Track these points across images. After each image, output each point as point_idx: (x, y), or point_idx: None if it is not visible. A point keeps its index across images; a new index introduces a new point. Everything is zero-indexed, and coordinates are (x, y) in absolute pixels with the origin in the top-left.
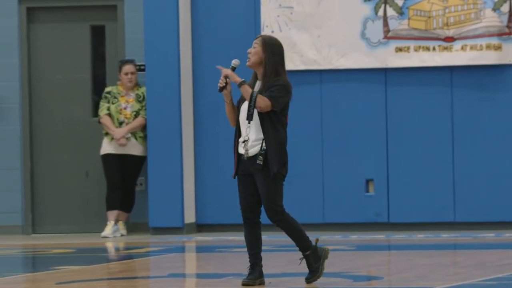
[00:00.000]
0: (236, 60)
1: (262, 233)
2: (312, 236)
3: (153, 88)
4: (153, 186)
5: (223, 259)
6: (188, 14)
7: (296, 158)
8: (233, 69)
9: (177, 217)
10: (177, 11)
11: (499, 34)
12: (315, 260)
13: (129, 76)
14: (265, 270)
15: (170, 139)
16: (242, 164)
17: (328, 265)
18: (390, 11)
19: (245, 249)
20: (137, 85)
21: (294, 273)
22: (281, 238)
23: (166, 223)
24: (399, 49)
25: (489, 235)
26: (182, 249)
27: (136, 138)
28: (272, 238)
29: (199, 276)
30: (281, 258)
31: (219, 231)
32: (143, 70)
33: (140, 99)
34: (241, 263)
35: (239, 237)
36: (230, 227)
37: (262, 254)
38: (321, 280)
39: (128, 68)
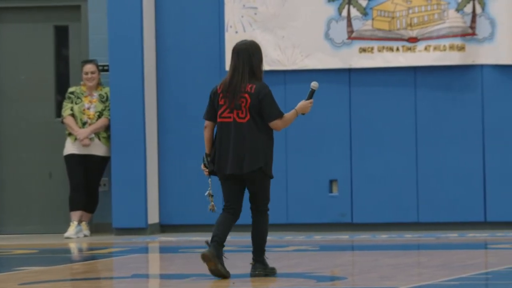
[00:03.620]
0: (315, 82)
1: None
2: (276, 237)
3: (116, 88)
4: (116, 187)
5: (187, 260)
6: (152, 14)
7: None
8: (313, 92)
9: (140, 217)
10: (141, 11)
11: (463, 35)
12: (264, 267)
13: (89, 75)
14: (229, 271)
15: (134, 140)
16: None
17: (292, 266)
18: (354, 12)
19: None
20: (100, 85)
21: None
22: (245, 238)
23: (129, 223)
24: (363, 50)
25: (453, 235)
26: (145, 250)
27: (99, 139)
28: (236, 239)
29: (162, 276)
30: (245, 259)
31: (182, 231)
32: (107, 70)
33: (103, 100)
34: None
35: (202, 238)
36: (193, 228)
37: (226, 254)
38: (284, 281)
39: (88, 67)
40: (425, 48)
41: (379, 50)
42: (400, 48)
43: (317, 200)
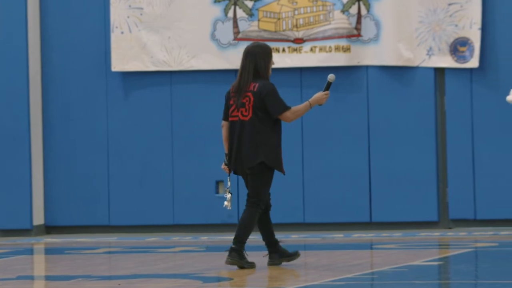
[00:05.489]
0: (332, 75)
1: (111, 235)
2: (163, 238)
3: (1, 88)
4: (0, 188)
5: (72, 261)
6: (37, 14)
7: (146, 159)
8: (330, 84)
9: (25, 218)
10: (25, 11)
11: (348, 36)
12: (240, 257)
13: None
14: (115, 272)
15: (19, 140)
16: None
17: (178, 267)
18: (240, 13)
19: (93, 251)
20: None
21: (144, 275)
22: (132, 240)
23: (14, 224)
24: None
25: (338, 236)
26: (30, 251)
27: None
28: (122, 240)
29: (48, 278)
30: (132, 259)
31: (68, 233)
32: None
33: None
34: (90, 264)
35: (89, 239)
36: (79, 229)
37: (112, 255)
38: (170, 282)
39: None
40: (311, 49)
41: None
42: (286, 49)
43: (204, 201)
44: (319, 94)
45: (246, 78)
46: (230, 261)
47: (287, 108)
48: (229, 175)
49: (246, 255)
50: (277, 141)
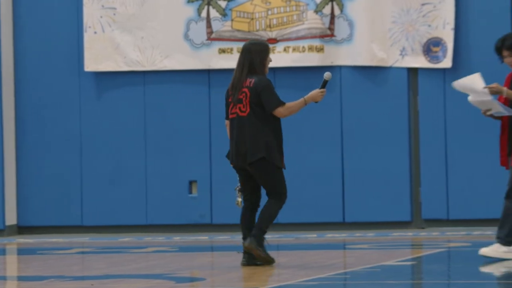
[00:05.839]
0: (328, 73)
1: (84, 235)
2: (135, 238)
3: None
4: None
5: (45, 261)
6: (10, 14)
7: (119, 159)
8: (326, 81)
9: None
10: None
11: (321, 36)
12: (259, 244)
13: None
14: (87, 272)
15: None
16: None
17: (151, 267)
18: (213, 13)
19: (66, 251)
20: None
21: (117, 275)
22: (105, 240)
23: None
24: (222, 51)
25: (312, 236)
26: (3, 252)
27: None
28: (94, 240)
29: (20, 278)
30: (105, 260)
31: (41, 233)
32: None
33: None
34: (63, 264)
35: (62, 239)
36: (52, 229)
37: (85, 255)
38: (143, 282)
39: None
40: (284, 49)
41: (239, 51)
42: None
43: (177, 201)
44: (315, 92)
45: (240, 74)
46: (247, 246)
47: (280, 103)
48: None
49: (265, 245)
50: (276, 135)
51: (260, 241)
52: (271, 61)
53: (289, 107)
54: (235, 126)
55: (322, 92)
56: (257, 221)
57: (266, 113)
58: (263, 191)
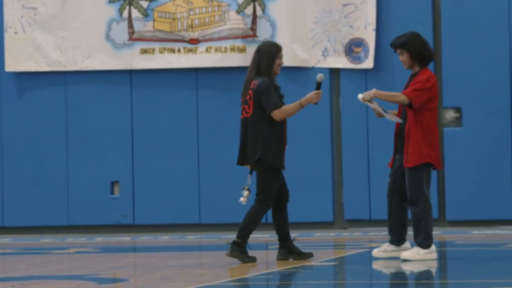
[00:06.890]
0: (320, 74)
1: (4, 236)
2: (57, 239)
3: None
4: None
5: None
6: None
7: (40, 160)
8: (319, 83)
9: None
10: None
11: (244, 36)
12: (241, 251)
13: None
14: (9, 273)
15: None
16: None
17: (73, 268)
18: (135, 13)
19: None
20: None
21: (39, 276)
22: (27, 241)
23: None
24: (144, 51)
25: (234, 236)
26: None
27: None
28: (16, 241)
29: None
30: (26, 261)
31: None
32: None
33: None
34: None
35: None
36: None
37: (6, 256)
38: (65, 283)
39: None
40: (206, 50)
41: (161, 52)
42: (182, 50)
43: (99, 202)
44: (311, 94)
45: (250, 75)
46: (230, 254)
47: (276, 106)
48: (250, 173)
49: (247, 250)
50: (275, 137)
51: (243, 247)
52: (282, 64)
53: (284, 110)
54: (242, 126)
55: (317, 93)
56: (240, 227)
57: (266, 115)
58: (288, 186)
